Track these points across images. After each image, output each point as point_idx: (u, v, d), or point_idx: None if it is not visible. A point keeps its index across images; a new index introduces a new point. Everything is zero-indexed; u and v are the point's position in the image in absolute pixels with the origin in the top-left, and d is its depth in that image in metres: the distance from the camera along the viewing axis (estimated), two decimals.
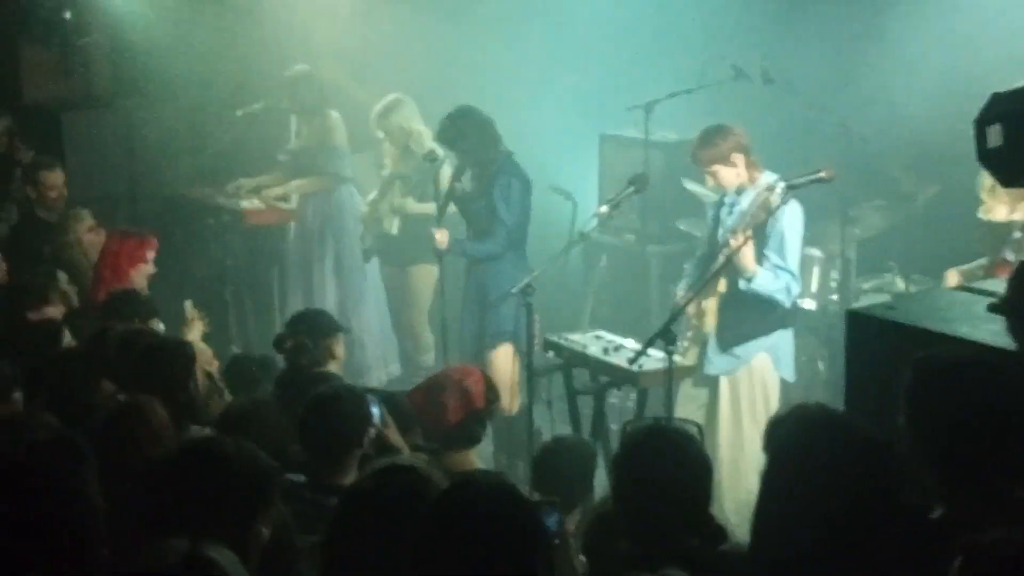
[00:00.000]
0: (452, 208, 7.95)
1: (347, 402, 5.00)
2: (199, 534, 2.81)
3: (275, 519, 3.95)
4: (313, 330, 6.42)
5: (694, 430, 3.99)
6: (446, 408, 5.69)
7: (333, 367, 6.39)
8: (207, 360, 6.60)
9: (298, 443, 4.94)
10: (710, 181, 7.12)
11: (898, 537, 3.05)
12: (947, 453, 3.29)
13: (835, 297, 8.28)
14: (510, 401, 7.40)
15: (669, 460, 3.68)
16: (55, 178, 8.63)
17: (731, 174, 6.92)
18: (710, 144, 6.92)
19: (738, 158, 6.89)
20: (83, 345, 6.37)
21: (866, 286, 8.30)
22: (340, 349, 6.51)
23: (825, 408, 3.44)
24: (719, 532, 3.72)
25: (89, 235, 8.18)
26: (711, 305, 6.98)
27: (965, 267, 7.37)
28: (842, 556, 3.02)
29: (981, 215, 7.23)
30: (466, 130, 7.68)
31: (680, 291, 7.19)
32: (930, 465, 3.33)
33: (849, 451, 3.11)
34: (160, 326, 6.99)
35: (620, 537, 3.76)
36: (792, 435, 3.23)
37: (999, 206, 7.15)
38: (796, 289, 6.92)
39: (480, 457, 6.15)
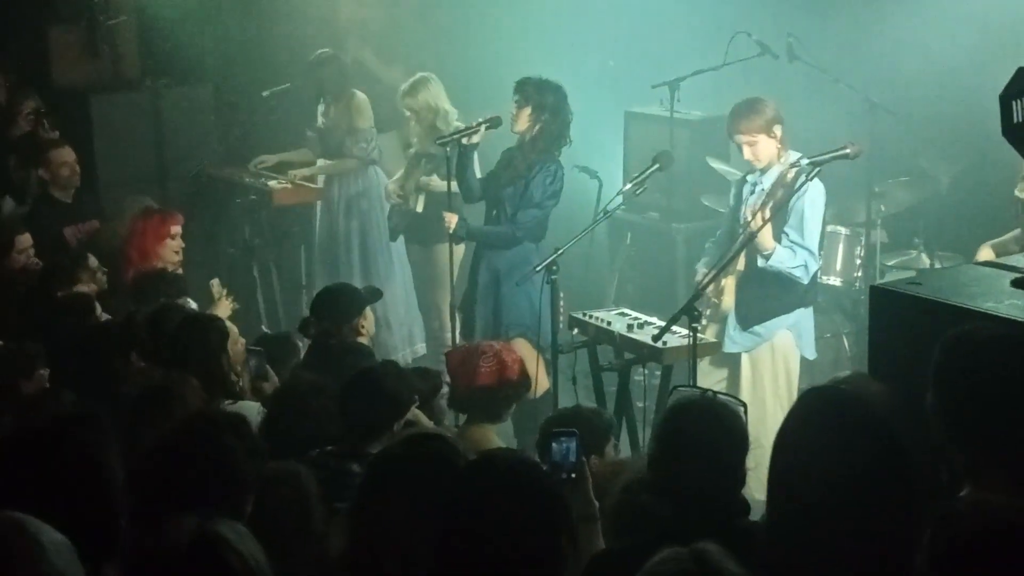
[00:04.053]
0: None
1: (391, 379, 5.10)
2: (205, 510, 2.83)
3: (291, 491, 4.02)
4: (334, 315, 6.46)
5: (740, 409, 3.97)
6: (479, 372, 5.82)
7: (363, 340, 6.46)
8: (234, 339, 6.65)
9: (338, 416, 5.02)
10: (747, 153, 7.02)
11: (919, 515, 3.04)
12: (977, 431, 3.28)
13: (860, 274, 8.26)
14: (533, 388, 7.37)
15: (714, 431, 3.68)
16: (64, 155, 8.64)
17: (771, 145, 6.85)
18: (753, 113, 6.83)
19: (778, 130, 6.85)
20: (112, 326, 6.42)
21: (891, 263, 8.28)
22: (368, 323, 6.55)
23: (827, 386, 3.44)
24: (744, 507, 3.74)
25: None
26: (729, 283, 6.98)
27: (997, 240, 7.32)
28: (855, 532, 3.03)
29: (1021, 193, 7.13)
30: (553, 102, 7.45)
31: (702, 269, 7.19)
32: (959, 443, 3.33)
33: (847, 427, 3.09)
34: (192, 304, 7.05)
35: (653, 505, 3.78)
36: (789, 413, 3.24)
37: None
38: (814, 267, 6.90)
39: (503, 439, 6.22)
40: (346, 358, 6.09)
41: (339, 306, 6.53)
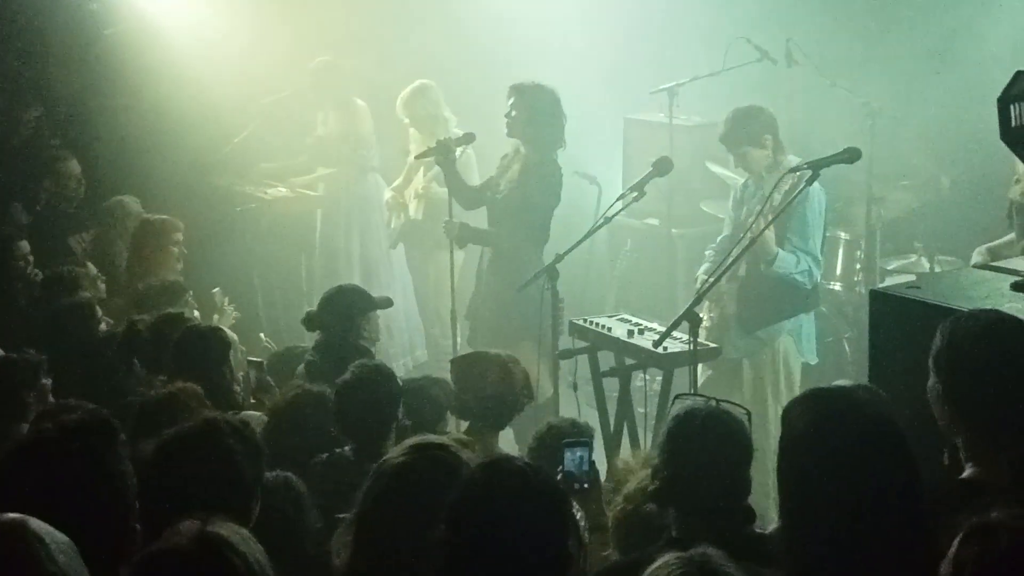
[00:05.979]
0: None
1: (378, 383, 5.10)
2: (207, 513, 2.85)
3: (281, 498, 4.03)
4: (339, 313, 6.46)
5: (744, 417, 3.94)
6: (486, 379, 5.83)
7: (366, 345, 6.46)
8: (235, 349, 6.64)
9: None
10: (738, 163, 7.10)
11: (925, 506, 3.04)
12: (977, 412, 3.32)
13: (860, 278, 8.27)
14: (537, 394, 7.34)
15: (719, 440, 3.66)
16: (72, 167, 8.72)
17: (760, 156, 6.91)
18: (740, 125, 6.90)
19: (767, 140, 6.88)
20: (115, 334, 6.43)
21: (891, 267, 8.30)
22: (372, 326, 6.55)
23: (833, 389, 3.43)
24: (749, 514, 3.74)
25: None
26: (731, 289, 6.98)
27: (993, 244, 7.32)
28: (870, 534, 3.02)
29: (1015, 196, 7.14)
30: (546, 105, 7.45)
31: (702, 275, 7.19)
32: (960, 425, 3.36)
33: (859, 431, 3.07)
34: (195, 313, 7.04)
35: (658, 514, 3.78)
36: (797, 418, 3.21)
37: None
38: (817, 272, 6.92)
39: (504, 446, 6.22)
40: (348, 357, 6.09)
41: (345, 305, 6.52)
